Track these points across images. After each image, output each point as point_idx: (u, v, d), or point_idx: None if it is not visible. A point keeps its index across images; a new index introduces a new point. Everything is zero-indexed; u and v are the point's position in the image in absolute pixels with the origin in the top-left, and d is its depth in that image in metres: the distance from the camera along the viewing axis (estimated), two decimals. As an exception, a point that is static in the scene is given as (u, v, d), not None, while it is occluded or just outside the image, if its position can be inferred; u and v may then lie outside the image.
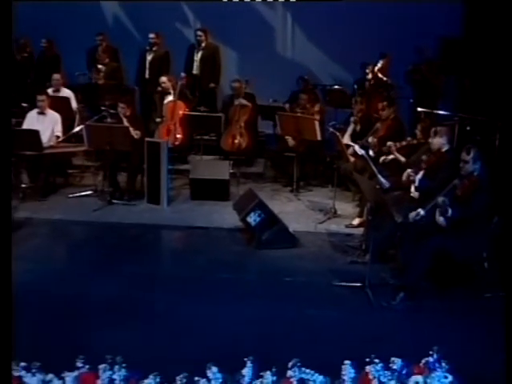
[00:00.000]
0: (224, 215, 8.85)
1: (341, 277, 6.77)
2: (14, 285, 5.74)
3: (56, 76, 11.25)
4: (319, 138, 9.56)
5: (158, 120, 10.81)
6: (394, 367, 4.38)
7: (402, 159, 7.91)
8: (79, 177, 10.64)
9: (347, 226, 8.39)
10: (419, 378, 4.35)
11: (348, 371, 4.36)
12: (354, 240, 7.90)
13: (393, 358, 4.41)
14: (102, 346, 4.61)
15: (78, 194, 9.75)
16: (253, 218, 7.93)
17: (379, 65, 11.01)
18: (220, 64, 11.90)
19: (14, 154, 9.50)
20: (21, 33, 12.12)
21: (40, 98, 10.15)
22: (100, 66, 11.60)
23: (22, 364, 4.47)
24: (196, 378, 4.31)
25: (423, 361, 4.46)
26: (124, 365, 4.34)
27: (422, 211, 6.31)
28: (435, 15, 11.05)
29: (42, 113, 10.06)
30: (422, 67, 10.92)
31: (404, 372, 4.37)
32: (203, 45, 11.71)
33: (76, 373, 4.35)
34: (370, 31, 11.60)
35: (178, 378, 4.28)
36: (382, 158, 8.24)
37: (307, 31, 12.81)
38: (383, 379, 4.34)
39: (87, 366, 4.38)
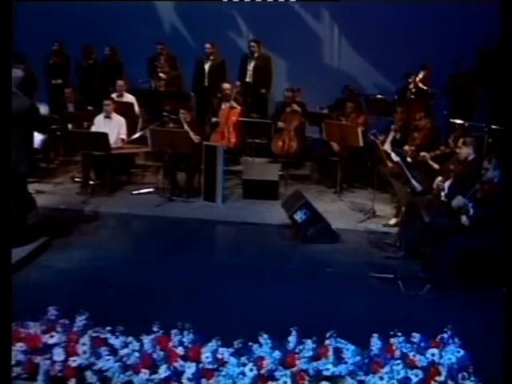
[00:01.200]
0: (273, 213, 9.38)
1: (376, 269, 7.44)
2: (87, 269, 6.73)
3: (120, 82, 11.95)
4: (361, 144, 10.03)
5: (214, 120, 11.45)
6: (414, 340, 5.19)
7: (436, 166, 8.53)
8: (141, 175, 11.32)
9: (384, 225, 8.96)
10: (435, 350, 5.09)
11: (375, 342, 5.16)
12: (389, 238, 8.45)
13: (413, 334, 5.24)
14: (174, 316, 5.44)
15: (140, 191, 10.41)
16: (299, 216, 8.52)
17: (420, 75, 11.47)
18: (271, 73, 12.50)
19: (83, 154, 10.38)
20: (86, 41, 12.93)
21: (106, 102, 10.83)
22: (161, 74, 12.29)
23: (108, 328, 5.29)
24: (250, 343, 5.14)
25: (439, 337, 5.24)
26: (191, 330, 5.18)
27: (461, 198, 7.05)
28: (473, 28, 11.26)
29: (108, 116, 10.69)
30: (459, 79, 11.39)
31: (422, 345, 5.20)
32: (256, 55, 12.33)
33: (152, 336, 5.17)
34: (412, 43, 11.96)
35: (235, 342, 5.11)
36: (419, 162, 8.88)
37: (353, 42, 13.31)
38: (404, 350, 5.12)
39: (161, 331, 5.23)
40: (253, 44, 12.41)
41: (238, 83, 12.03)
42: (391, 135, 9.77)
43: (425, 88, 11.50)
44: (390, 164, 9.13)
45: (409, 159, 9.03)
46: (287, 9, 13.35)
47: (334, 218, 9.15)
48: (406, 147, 9.23)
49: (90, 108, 11.85)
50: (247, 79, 12.38)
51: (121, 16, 13.21)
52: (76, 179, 10.84)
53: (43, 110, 10.77)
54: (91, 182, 10.39)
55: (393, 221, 8.95)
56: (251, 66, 12.37)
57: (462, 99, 11.33)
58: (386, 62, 12.37)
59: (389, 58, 12.12)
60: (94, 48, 13.21)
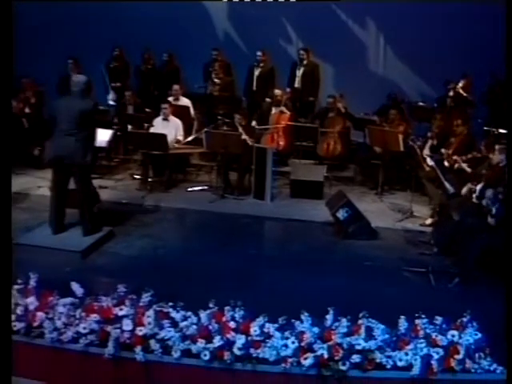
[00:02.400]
0: (318, 211, 9.84)
1: (409, 264, 8.03)
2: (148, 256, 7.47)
3: (175, 87, 12.50)
4: (402, 149, 10.39)
5: (257, 127, 11.85)
6: (437, 323, 5.88)
7: (468, 170, 9.09)
8: (195, 174, 11.90)
9: (421, 225, 9.40)
10: (455, 332, 5.75)
11: (403, 323, 5.88)
12: (425, 236, 8.88)
13: (436, 317, 5.93)
14: (227, 296, 6.14)
15: (195, 189, 11.03)
16: (341, 214, 9.05)
17: (461, 84, 11.73)
18: (319, 80, 12.96)
19: (142, 153, 11.14)
20: (145, 47, 13.50)
21: (164, 105, 11.44)
22: (216, 80, 12.81)
23: (170, 303, 6.08)
24: (292, 320, 5.86)
25: (459, 320, 5.88)
26: (242, 308, 5.92)
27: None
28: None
29: (166, 119, 11.31)
30: (497, 89, 11.66)
31: (444, 327, 5.86)
32: (305, 62, 12.81)
33: (208, 311, 5.92)
34: (455, 51, 12.22)
35: (279, 318, 5.84)
36: (456, 166, 9.38)
37: (397, 50, 13.59)
38: (428, 331, 5.80)
39: (216, 307, 5.97)
40: (302, 52, 12.91)
41: (288, 89, 12.52)
42: (429, 141, 10.21)
43: (465, 95, 11.74)
44: (426, 168, 9.58)
45: (446, 163, 9.59)
46: (335, 18, 13.75)
47: (374, 217, 9.60)
48: (443, 150, 9.71)
49: (148, 110, 12.36)
50: (296, 85, 12.85)
51: (178, 24, 13.71)
52: (135, 176, 11.55)
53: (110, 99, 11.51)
54: (150, 179, 11.01)
55: (429, 221, 9.43)
56: (300, 72, 12.84)
57: (498, 108, 11.53)
58: (428, 70, 12.70)
59: (432, 66, 12.44)
60: (152, 54, 13.70)
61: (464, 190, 8.50)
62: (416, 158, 9.73)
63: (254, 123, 11.96)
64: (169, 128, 11.24)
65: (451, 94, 11.91)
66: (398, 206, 10.43)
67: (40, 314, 6.15)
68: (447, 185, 8.75)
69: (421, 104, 12.43)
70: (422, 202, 10.27)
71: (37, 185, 10.97)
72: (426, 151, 10.07)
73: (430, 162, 9.43)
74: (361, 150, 11.98)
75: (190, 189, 11.12)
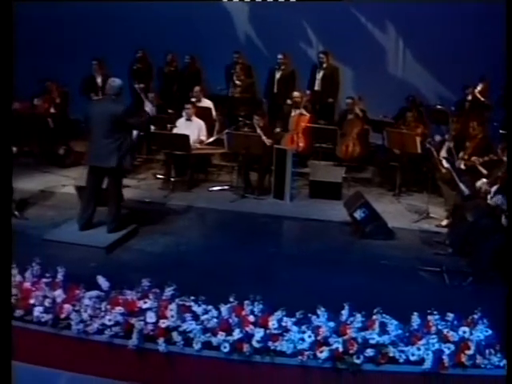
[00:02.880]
0: (336, 211, 9.99)
1: (425, 263, 8.21)
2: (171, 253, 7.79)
3: (197, 88, 12.70)
4: (419, 151, 10.55)
5: (278, 130, 12.05)
6: (449, 319, 6.07)
7: (484, 171, 9.19)
8: (217, 174, 12.13)
9: (437, 226, 9.55)
10: (466, 328, 5.93)
11: (415, 319, 6.09)
12: (440, 237, 9.03)
13: (448, 313, 6.12)
14: (246, 291, 6.37)
15: (216, 188, 11.26)
16: (359, 214, 9.22)
17: (479, 88, 11.93)
18: (338, 82, 13.11)
19: (165, 153, 11.36)
20: (169, 49, 13.74)
21: (187, 106, 11.63)
22: (237, 82, 13.03)
23: (192, 297, 6.31)
24: (309, 314, 6.08)
25: (470, 317, 6.06)
26: (261, 302, 6.15)
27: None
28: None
29: (188, 119, 11.51)
30: None
31: (455, 323, 6.05)
32: (324, 65, 12.97)
33: (229, 305, 6.15)
34: (473, 55, 12.34)
35: (297, 313, 6.06)
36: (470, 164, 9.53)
37: (416, 53, 13.72)
38: (440, 327, 6.00)
39: (236, 302, 6.19)
40: (321, 55, 13.08)
41: (308, 92, 12.70)
42: (446, 144, 10.33)
43: (482, 99, 11.90)
44: (442, 170, 9.74)
45: (462, 166, 9.76)
46: (355, 21, 13.93)
47: (392, 217, 9.77)
48: (461, 154, 9.89)
49: (170, 111, 12.67)
50: (316, 88, 13.02)
51: (200, 26, 13.93)
52: (158, 176, 11.81)
53: (149, 109, 11.85)
54: (172, 179, 11.21)
55: (444, 222, 9.57)
56: (320, 75, 13.01)
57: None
58: (447, 74, 12.83)
59: (450, 70, 12.56)
60: (176, 56, 13.94)
61: (478, 184, 8.62)
62: (433, 160, 9.90)
63: (277, 129, 12.16)
64: (191, 129, 11.44)
65: (469, 97, 12.08)
66: (414, 207, 10.56)
67: (67, 307, 6.42)
68: (462, 186, 8.93)
69: (439, 107, 12.53)
70: (438, 203, 10.33)
71: (61, 183, 11.24)
72: (443, 153, 10.20)
73: (445, 164, 9.59)
74: (379, 151, 12.16)
75: (211, 188, 11.34)
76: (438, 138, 10.82)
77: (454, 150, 9.99)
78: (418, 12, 13.09)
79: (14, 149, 9.49)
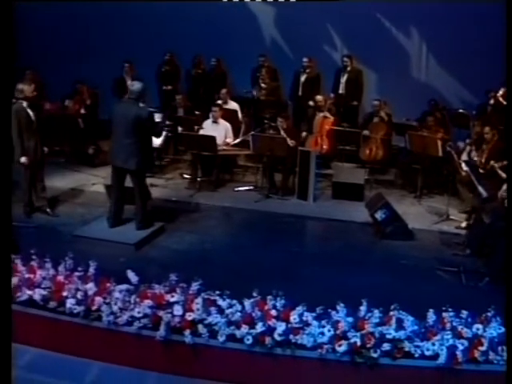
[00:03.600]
0: (358, 212, 10.17)
1: (443, 263, 8.45)
2: (196, 250, 8.07)
3: (223, 90, 12.91)
4: (440, 154, 10.58)
5: (304, 134, 12.21)
6: (463, 316, 6.29)
7: (504, 175, 9.36)
8: (242, 174, 12.35)
9: (456, 228, 9.72)
10: (480, 326, 6.15)
11: (431, 316, 6.32)
12: (459, 238, 9.20)
13: (462, 311, 6.35)
14: (269, 286, 6.61)
15: (241, 188, 11.50)
16: (379, 215, 9.42)
17: (501, 92, 11.78)
18: (362, 86, 13.25)
19: (192, 154, 11.60)
20: (196, 52, 13.99)
21: (214, 108, 11.83)
22: (263, 85, 13.20)
23: (217, 292, 6.59)
24: (329, 310, 6.34)
25: (483, 315, 6.28)
26: (283, 297, 6.44)
27: None
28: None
29: (215, 121, 11.72)
30: None
31: (469, 320, 6.27)
32: (349, 69, 13.12)
33: (252, 300, 6.44)
34: (496, 59, 11.84)
35: (317, 308, 6.32)
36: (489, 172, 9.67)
37: (440, 58, 13.76)
38: (454, 323, 6.23)
39: (259, 297, 6.46)
40: (345, 59, 13.23)
41: (332, 95, 12.90)
42: (467, 148, 10.47)
43: (505, 103, 11.76)
44: (462, 173, 9.85)
45: (480, 170, 9.92)
46: (379, 25, 14.01)
47: (412, 219, 9.96)
48: (477, 158, 10.05)
49: (197, 113, 12.86)
50: (340, 91, 13.17)
51: (226, 29, 14.12)
52: (184, 175, 12.09)
53: (157, 117, 12.10)
54: (199, 179, 11.48)
55: (464, 224, 9.75)
56: (344, 79, 13.15)
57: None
58: (470, 77, 12.91)
59: (473, 74, 12.65)
60: (203, 58, 14.16)
61: (500, 192, 8.77)
62: (453, 163, 10.04)
63: (304, 133, 12.32)
64: (218, 130, 11.65)
65: (492, 102, 12.10)
66: (435, 209, 10.70)
67: (98, 299, 6.74)
68: (481, 189, 9.10)
69: (460, 111, 12.63)
70: (458, 205, 10.50)
71: (91, 182, 11.58)
72: (464, 157, 10.32)
73: (464, 167, 9.73)
74: (402, 154, 12.23)
75: (236, 188, 11.58)
76: (461, 144, 10.90)
77: (474, 154, 10.13)
78: (442, 16, 13.12)
79: (46, 149, 9.84)
